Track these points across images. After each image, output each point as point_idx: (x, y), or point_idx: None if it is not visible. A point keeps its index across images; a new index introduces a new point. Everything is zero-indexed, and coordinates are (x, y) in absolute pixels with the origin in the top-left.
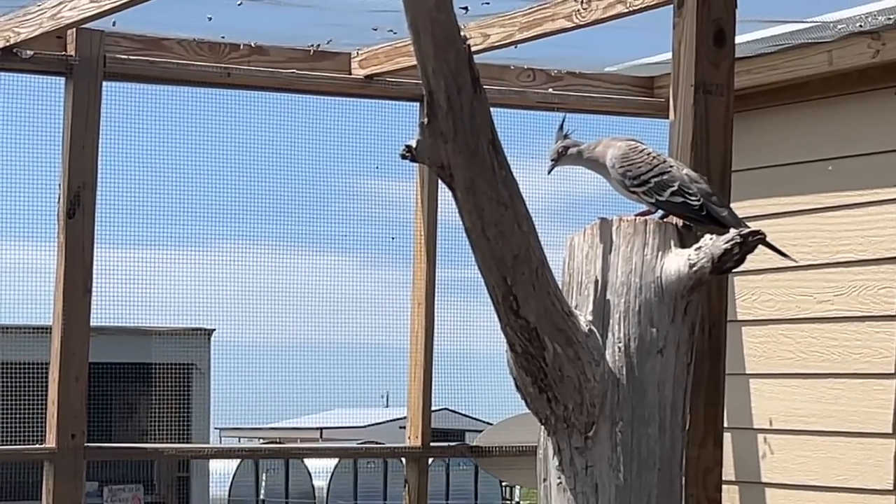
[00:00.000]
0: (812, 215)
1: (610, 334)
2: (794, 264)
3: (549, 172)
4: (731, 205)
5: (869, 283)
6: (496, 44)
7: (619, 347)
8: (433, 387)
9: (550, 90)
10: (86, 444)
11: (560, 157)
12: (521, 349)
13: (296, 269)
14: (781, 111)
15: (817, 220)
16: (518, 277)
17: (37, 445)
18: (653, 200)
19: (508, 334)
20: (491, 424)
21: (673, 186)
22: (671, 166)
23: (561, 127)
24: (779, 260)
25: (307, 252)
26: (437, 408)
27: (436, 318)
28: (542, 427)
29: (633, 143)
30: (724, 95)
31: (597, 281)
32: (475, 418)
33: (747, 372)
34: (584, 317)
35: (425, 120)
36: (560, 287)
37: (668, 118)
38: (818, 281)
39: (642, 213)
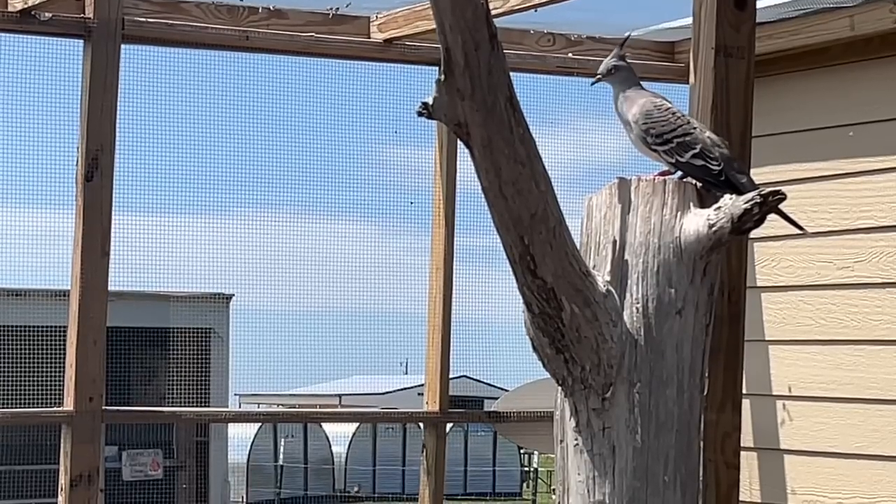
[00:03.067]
0: (832, 181)
1: (628, 295)
2: (813, 230)
3: (592, 84)
4: (751, 170)
5: (889, 249)
6: (516, 7)
7: (637, 308)
8: (451, 354)
9: (570, 55)
10: (104, 408)
11: (606, 76)
12: (538, 309)
13: (314, 236)
14: (802, 76)
15: (838, 186)
16: (535, 237)
17: (55, 408)
18: (673, 161)
19: (525, 294)
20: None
21: (695, 149)
22: (694, 128)
23: (622, 45)
24: (803, 230)
25: (326, 218)
26: (456, 375)
27: (454, 286)
28: (559, 388)
29: (659, 101)
30: (745, 59)
31: (615, 241)
32: (493, 385)
33: (766, 338)
34: (602, 277)
35: (442, 77)
36: (578, 247)
37: (688, 83)
38: (838, 247)
39: (662, 174)
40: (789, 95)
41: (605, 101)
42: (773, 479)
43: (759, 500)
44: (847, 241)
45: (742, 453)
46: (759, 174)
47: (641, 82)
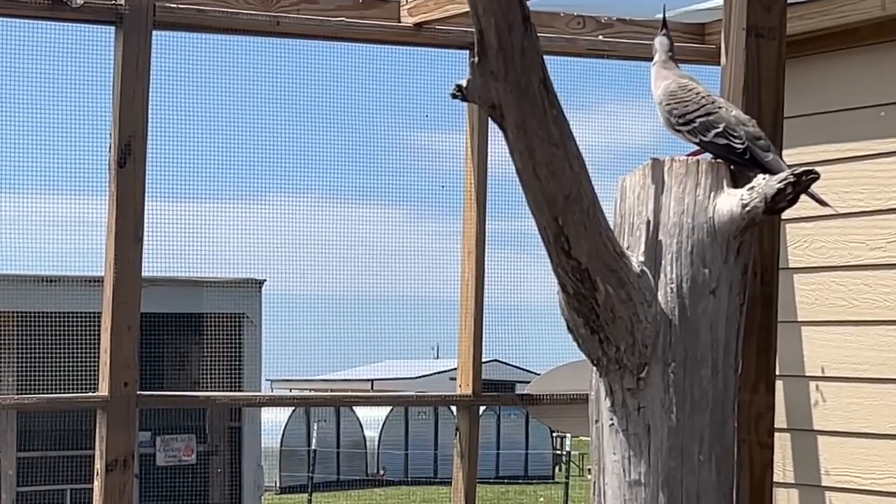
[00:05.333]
0: (864, 161)
1: (662, 275)
2: (845, 211)
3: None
4: (783, 151)
5: None
6: None
7: (672, 288)
8: (483, 338)
9: (601, 37)
10: (138, 393)
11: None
12: (572, 290)
13: (346, 221)
14: (833, 57)
15: (870, 167)
16: (569, 218)
17: (90, 394)
18: (696, 140)
19: (560, 275)
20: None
21: (718, 127)
22: (719, 107)
23: (663, 23)
24: (831, 207)
25: (357, 203)
26: (488, 359)
27: (486, 270)
28: (594, 368)
29: (685, 81)
30: (777, 39)
31: (648, 222)
32: (525, 369)
33: (799, 319)
34: (636, 257)
35: (476, 59)
36: (612, 228)
37: (719, 65)
38: (871, 228)
39: (694, 153)
40: (820, 76)
41: (635, 84)
42: (806, 460)
43: (792, 481)
44: (879, 222)
45: (775, 434)
46: (790, 155)
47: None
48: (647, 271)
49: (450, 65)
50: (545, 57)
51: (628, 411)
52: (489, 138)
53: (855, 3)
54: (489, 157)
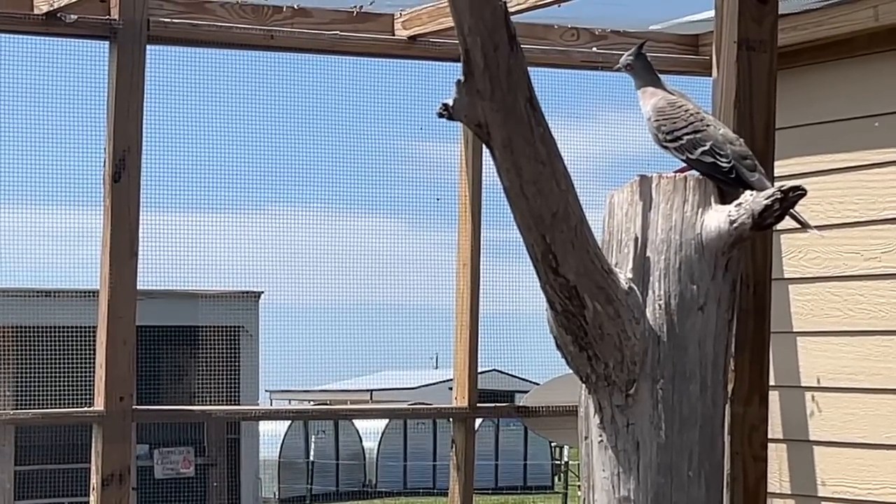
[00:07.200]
0: (858, 172)
1: (650, 292)
2: (840, 221)
3: (614, 70)
4: (777, 162)
5: None
6: (540, 3)
7: (660, 305)
8: (481, 348)
9: (594, 49)
10: (134, 407)
11: (624, 70)
12: (560, 307)
13: (342, 232)
14: (827, 68)
15: (863, 177)
16: (557, 235)
17: (86, 408)
18: (683, 157)
19: (548, 293)
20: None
21: (704, 146)
22: (707, 125)
23: (641, 45)
24: (825, 217)
25: (353, 214)
26: (486, 369)
27: (483, 280)
28: (583, 385)
29: (674, 97)
30: (768, 52)
31: (637, 238)
32: (524, 379)
33: (794, 330)
34: (624, 274)
35: (462, 78)
36: (600, 245)
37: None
38: (865, 238)
39: (681, 170)
40: (814, 87)
41: (629, 95)
42: (802, 471)
43: (788, 492)
44: (874, 232)
45: (771, 445)
46: (784, 166)
47: (665, 76)
48: (636, 288)
49: (444, 77)
50: (539, 68)
51: (617, 428)
52: (483, 150)
53: (848, 14)
54: (484, 169)
